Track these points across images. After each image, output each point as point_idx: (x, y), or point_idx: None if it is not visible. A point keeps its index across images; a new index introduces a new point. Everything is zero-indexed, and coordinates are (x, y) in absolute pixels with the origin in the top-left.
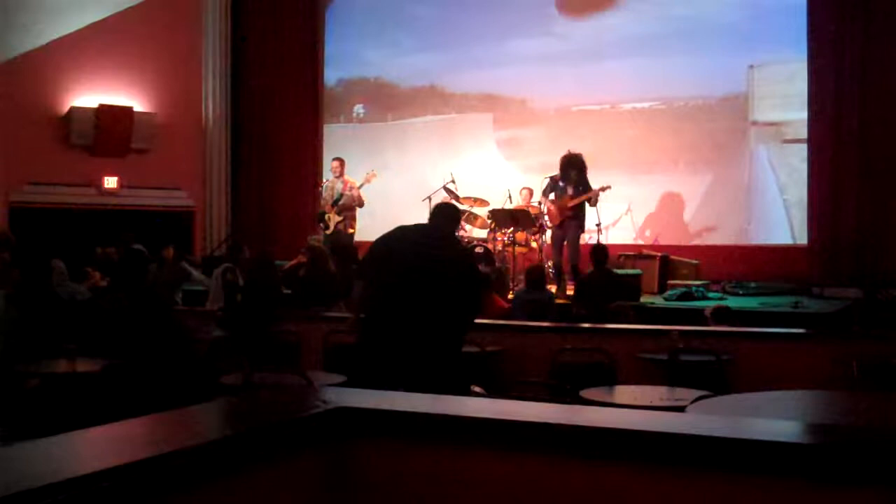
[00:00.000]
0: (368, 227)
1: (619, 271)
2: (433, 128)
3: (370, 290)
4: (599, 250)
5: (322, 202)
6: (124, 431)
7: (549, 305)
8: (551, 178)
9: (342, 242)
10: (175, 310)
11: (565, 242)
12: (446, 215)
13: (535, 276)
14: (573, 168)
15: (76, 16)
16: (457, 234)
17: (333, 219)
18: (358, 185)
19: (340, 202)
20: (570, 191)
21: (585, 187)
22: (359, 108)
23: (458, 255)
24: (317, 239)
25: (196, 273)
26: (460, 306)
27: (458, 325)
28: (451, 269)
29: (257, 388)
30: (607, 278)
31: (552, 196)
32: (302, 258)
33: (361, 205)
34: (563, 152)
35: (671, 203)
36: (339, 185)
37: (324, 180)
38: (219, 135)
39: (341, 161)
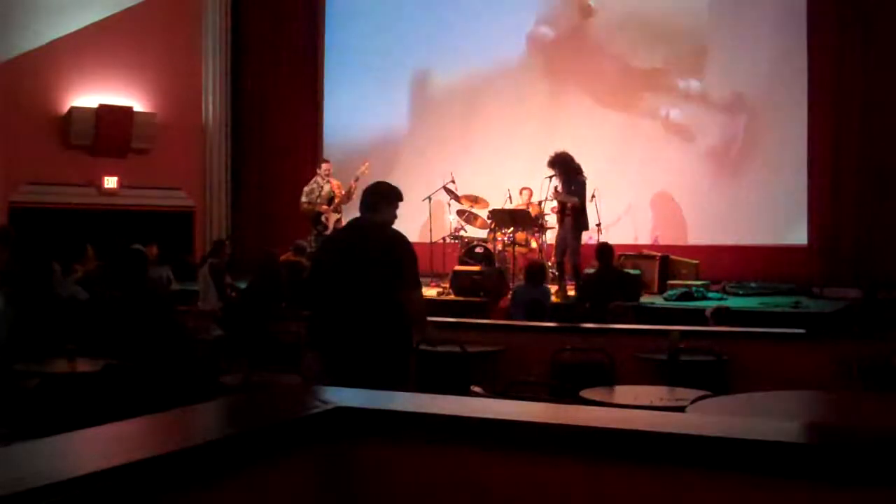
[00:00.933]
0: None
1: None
2: (433, 127)
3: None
4: (605, 249)
5: (308, 204)
6: (124, 431)
7: (544, 302)
8: (551, 178)
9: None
10: (174, 310)
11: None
12: (367, 198)
13: (533, 272)
14: (556, 166)
15: (76, 16)
16: (383, 211)
17: (332, 218)
18: (353, 179)
19: (336, 201)
20: (563, 190)
21: (573, 186)
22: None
23: (373, 242)
24: (308, 241)
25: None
26: (387, 292)
27: (392, 310)
28: (369, 256)
29: (257, 388)
30: (613, 277)
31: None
32: (291, 256)
33: (348, 200)
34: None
35: (671, 203)
36: (327, 187)
37: (312, 181)
38: (219, 135)
39: (330, 163)
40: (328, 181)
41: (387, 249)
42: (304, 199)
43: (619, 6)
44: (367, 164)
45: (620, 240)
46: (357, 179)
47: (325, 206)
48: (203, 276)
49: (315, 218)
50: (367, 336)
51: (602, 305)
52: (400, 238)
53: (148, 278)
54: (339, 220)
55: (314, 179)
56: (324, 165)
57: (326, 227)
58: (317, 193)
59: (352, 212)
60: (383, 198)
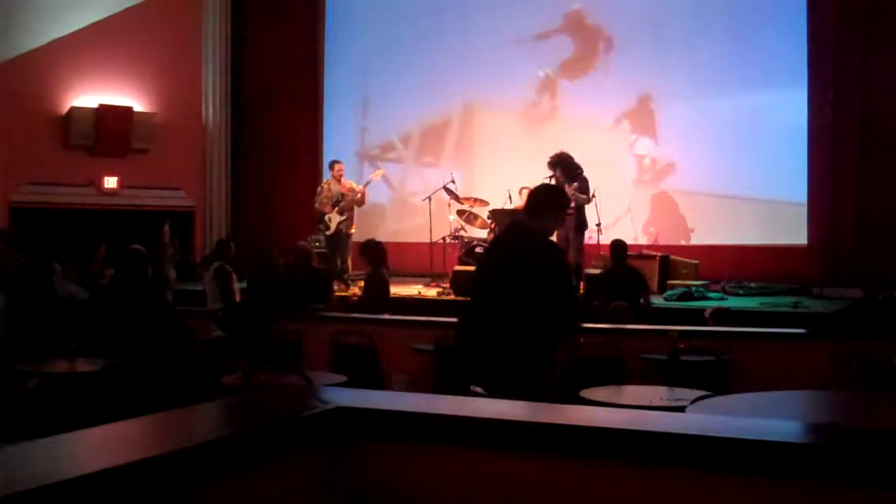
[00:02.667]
0: (368, 227)
1: None
2: (433, 126)
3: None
4: (618, 247)
5: (318, 204)
6: (124, 431)
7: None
8: (551, 178)
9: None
10: (175, 310)
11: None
12: (532, 201)
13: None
14: (557, 166)
15: (76, 16)
16: (547, 217)
17: (335, 219)
18: (364, 184)
19: (342, 203)
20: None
21: (579, 184)
22: None
23: (524, 250)
24: (317, 240)
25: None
26: (531, 303)
27: (534, 323)
28: (517, 264)
29: (257, 388)
30: (625, 274)
31: None
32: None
33: (361, 204)
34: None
35: (671, 203)
36: (336, 187)
37: (323, 181)
38: (219, 135)
39: (342, 164)
40: (338, 182)
41: (540, 263)
42: (316, 197)
43: (617, 8)
44: (381, 171)
45: None
46: (368, 184)
47: (328, 207)
48: (209, 278)
49: (319, 217)
50: (510, 346)
51: (612, 302)
52: (556, 252)
53: (152, 277)
54: (342, 222)
55: (326, 179)
56: (336, 166)
57: (328, 228)
58: (324, 194)
59: (359, 214)
60: (550, 205)
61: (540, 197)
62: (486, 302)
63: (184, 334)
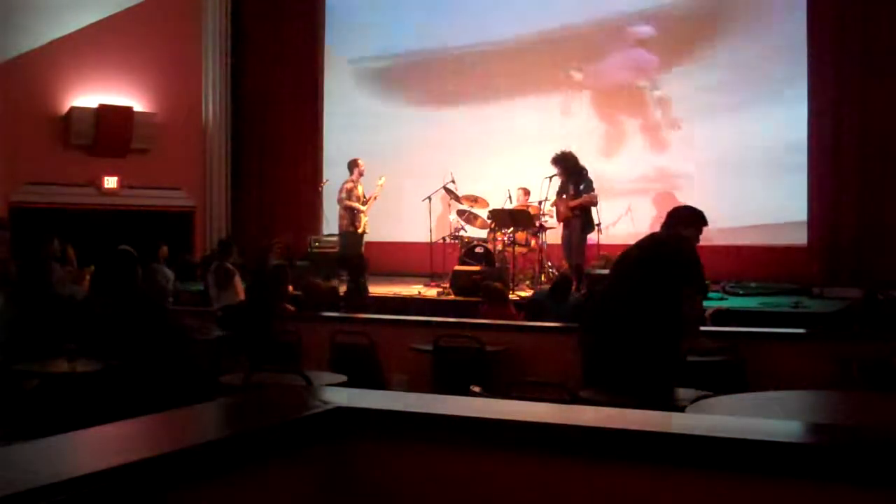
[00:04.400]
0: (369, 227)
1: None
2: (433, 127)
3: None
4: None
5: (350, 202)
6: (124, 431)
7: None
8: (551, 178)
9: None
10: (170, 310)
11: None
12: (672, 218)
13: (559, 287)
14: (559, 164)
15: (76, 16)
16: (692, 228)
17: (363, 219)
18: (372, 196)
19: (366, 207)
20: (571, 191)
21: (582, 185)
22: None
23: (649, 252)
24: (317, 240)
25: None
26: (654, 303)
27: (655, 324)
28: (646, 261)
29: (257, 388)
30: None
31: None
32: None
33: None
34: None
35: (672, 203)
36: (361, 188)
37: (350, 181)
38: (219, 135)
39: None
40: (361, 181)
41: (666, 255)
42: (343, 196)
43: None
44: (383, 178)
45: (620, 240)
46: (376, 197)
47: (360, 206)
48: (210, 278)
49: (352, 216)
50: (635, 343)
51: None
52: (684, 244)
53: (144, 278)
54: (366, 223)
55: (350, 179)
56: (361, 165)
57: (360, 226)
58: (354, 192)
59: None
60: (691, 220)
61: (680, 216)
62: (613, 304)
63: (177, 334)
